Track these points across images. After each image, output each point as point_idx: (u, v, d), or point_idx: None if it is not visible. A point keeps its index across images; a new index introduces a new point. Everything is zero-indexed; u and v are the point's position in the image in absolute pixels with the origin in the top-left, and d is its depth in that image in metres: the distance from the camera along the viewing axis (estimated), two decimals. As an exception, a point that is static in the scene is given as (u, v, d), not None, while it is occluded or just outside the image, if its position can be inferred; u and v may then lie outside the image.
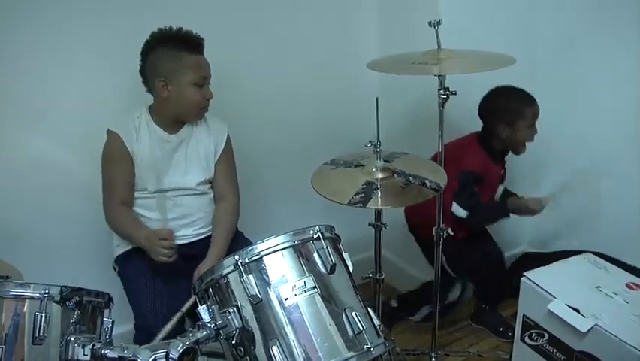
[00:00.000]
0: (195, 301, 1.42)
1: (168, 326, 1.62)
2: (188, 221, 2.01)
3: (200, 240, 2.02)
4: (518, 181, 2.58)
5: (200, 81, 1.91)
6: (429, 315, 2.51)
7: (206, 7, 2.19)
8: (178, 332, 1.35)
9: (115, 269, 2.02)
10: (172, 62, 1.89)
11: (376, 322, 1.40)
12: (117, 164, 1.93)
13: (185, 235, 2.01)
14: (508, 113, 2.24)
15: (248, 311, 1.29)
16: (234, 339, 1.27)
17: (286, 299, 1.28)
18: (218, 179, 2.06)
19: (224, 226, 2.03)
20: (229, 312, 1.28)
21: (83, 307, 1.27)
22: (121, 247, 2.00)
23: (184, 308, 1.66)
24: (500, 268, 2.47)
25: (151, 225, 1.98)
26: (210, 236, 2.03)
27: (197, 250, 1.97)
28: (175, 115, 1.97)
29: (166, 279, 1.89)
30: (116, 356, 1.18)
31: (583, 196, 2.50)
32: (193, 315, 1.53)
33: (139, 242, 1.91)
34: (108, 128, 1.94)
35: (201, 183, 2.02)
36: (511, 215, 2.34)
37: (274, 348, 1.25)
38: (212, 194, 2.07)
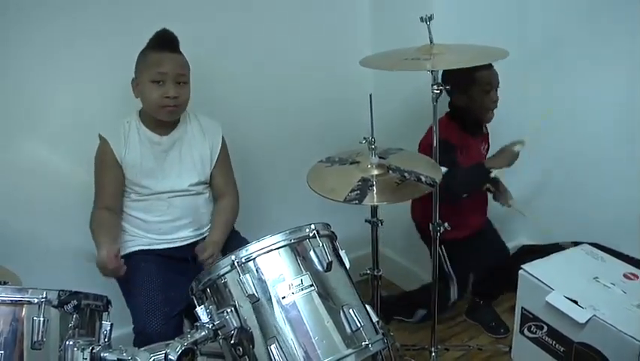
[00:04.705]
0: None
1: None
2: (184, 222, 2.00)
3: (197, 241, 2.01)
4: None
5: (157, 77, 1.86)
6: (425, 316, 2.51)
7: (200, 8, 2.19)
8: (177, 333, 1.35)
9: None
10: (140, 61, 1.90)
11: (374, 318, 1.40)
12: (105, 171, 1.94)
13: (182, 236, 2.00)
14: (460, 80, 2.17)
15: (246, 311, 1.29)
16: (233, 339, 1.27)
17: (283, 298, 1.29)
18: (216, 182, 2.06)
19: (224, 216, 2.03)
20: (227, 312, 1.28)
21: (82, 311, 1.28)
22: (120, 251, 1.99)
23: None
24: (504, 264, 2.46)
25: (148, 227, 1.98)
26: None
27: (194, 251, 1.95)
28: (150, 115, 1.95)
29: (165, 282, 1.88)
30: (115, 359, 1.18)
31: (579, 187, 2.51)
32: (191, 316, 1.53)
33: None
34: (99, 133, 1.94)
35: (194, 184, 2.01)
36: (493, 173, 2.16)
37: (273, 347, 1.25)
38: (207, 194, 2.06)
